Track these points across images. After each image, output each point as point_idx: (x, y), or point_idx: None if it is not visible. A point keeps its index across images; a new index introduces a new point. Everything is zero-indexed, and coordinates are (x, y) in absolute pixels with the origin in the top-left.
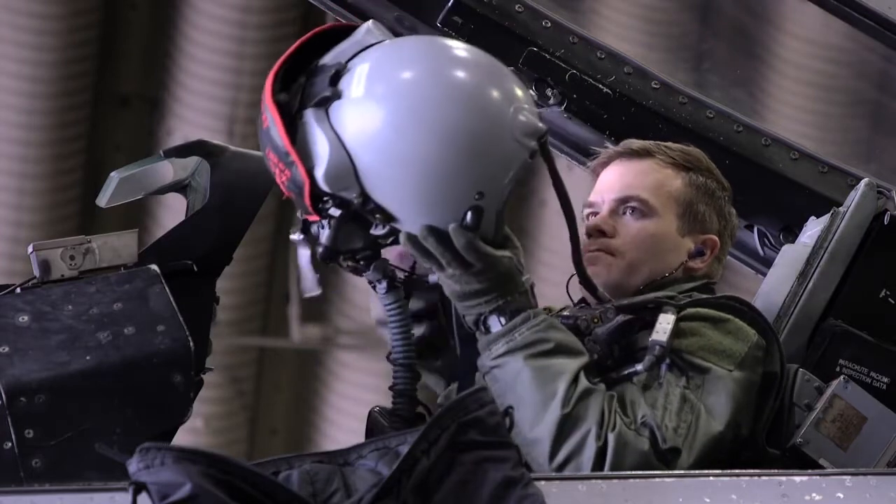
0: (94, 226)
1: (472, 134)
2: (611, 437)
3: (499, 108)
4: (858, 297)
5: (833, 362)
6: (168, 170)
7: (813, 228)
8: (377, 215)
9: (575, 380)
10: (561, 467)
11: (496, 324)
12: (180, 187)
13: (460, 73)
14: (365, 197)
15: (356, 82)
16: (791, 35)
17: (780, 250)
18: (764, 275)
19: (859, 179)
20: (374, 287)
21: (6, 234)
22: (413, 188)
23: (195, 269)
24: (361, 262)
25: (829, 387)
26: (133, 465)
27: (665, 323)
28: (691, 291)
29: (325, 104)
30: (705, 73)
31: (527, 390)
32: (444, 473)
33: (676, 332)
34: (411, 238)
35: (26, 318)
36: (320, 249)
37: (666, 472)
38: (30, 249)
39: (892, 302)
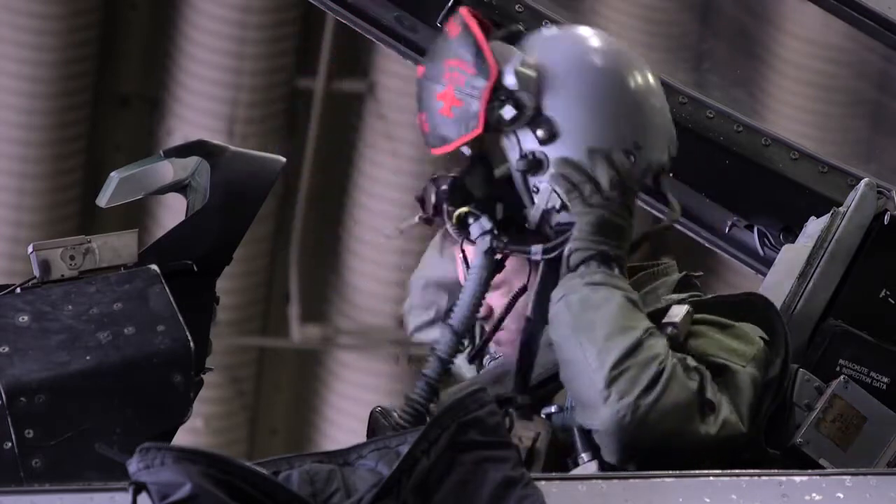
0: (94, 226)
1: (652, 95)
2: (669, 366)
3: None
4: (858, 297)
5: (833, 362)
6: (168, 170)
7: (813, 228)
8: (542, 128)
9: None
10: (618, 376)
11: (604, 268)
12: (180, 187)
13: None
14: (538, 108)
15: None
16: (791, 35)
17: (780, 250)
18: (764, 275)
19: (859, 179)
20: (462, 242)
21: (6, 234)
22: (588, 113)
23: (195, 269)
24: (480, 211)
25: (829, 387)
26: (133, 465)
27: (678, 310)
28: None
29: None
30: (705, 73)
31: (613, 313)
32: (444, 473)
33: (687, 335)
34: (567, 161)
35: (26, 318)
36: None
37: (666, 472)
38: (30, 249)
39: (892, 302)
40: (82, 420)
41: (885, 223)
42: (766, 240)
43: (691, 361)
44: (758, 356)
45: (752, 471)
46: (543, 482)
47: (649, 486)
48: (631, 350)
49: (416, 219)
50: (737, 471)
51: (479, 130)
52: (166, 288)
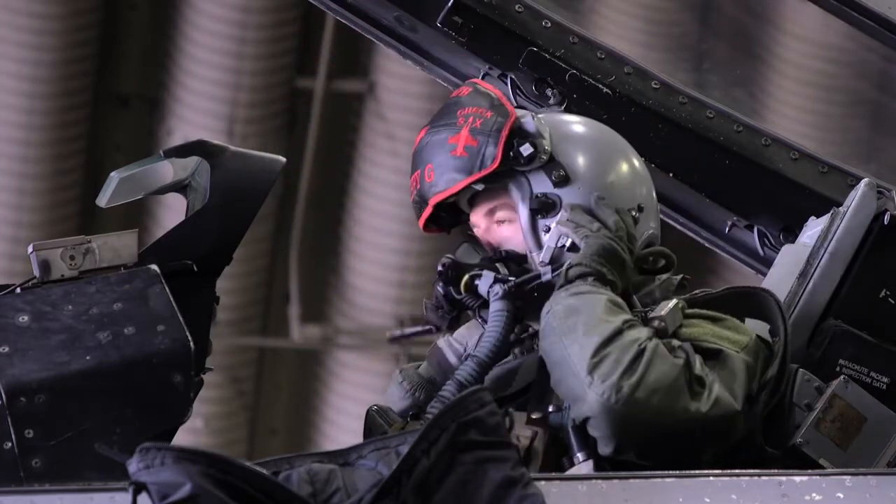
0: (94, 226)
1: (648, 177)
2: (650, 344)
3: None
4: (858, 297)
5: (833, 362)
6: (168, 170)
7: (813, 228)
8: (557, 171)
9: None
10: (599, 363)
11: (597, 285)
12: (180, 187)
13: None
14: (552, 155)
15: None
16: (791, 35)
17: (780, 250)
18: (764, 275)
19: (859, 179)
20: (476, 307)
21: (6, 234)
22: (599, 166)
23: (195, 269)
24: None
25: (829, 387)
26: (133, 465)
27: (665, 304)
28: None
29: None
30: (705, 73)
31: (594, 311)
32: (444, 473)
33: (679, 327)
34: (576, 205)
35: (26, 318)
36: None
37: (666, 472)
38: (30, 249)
39: (892, 302)
40: (82, 420)
41: (885, 223)
42: (766, 240)
43: (676, 342)
44: (750, 345)
45: (752, 471)
46: (543, 482)
47: (649, 486)
48: (610, 338)
49: (420, 330)
50: (737, 471)
51: (495, 165)
52: (166, 288)
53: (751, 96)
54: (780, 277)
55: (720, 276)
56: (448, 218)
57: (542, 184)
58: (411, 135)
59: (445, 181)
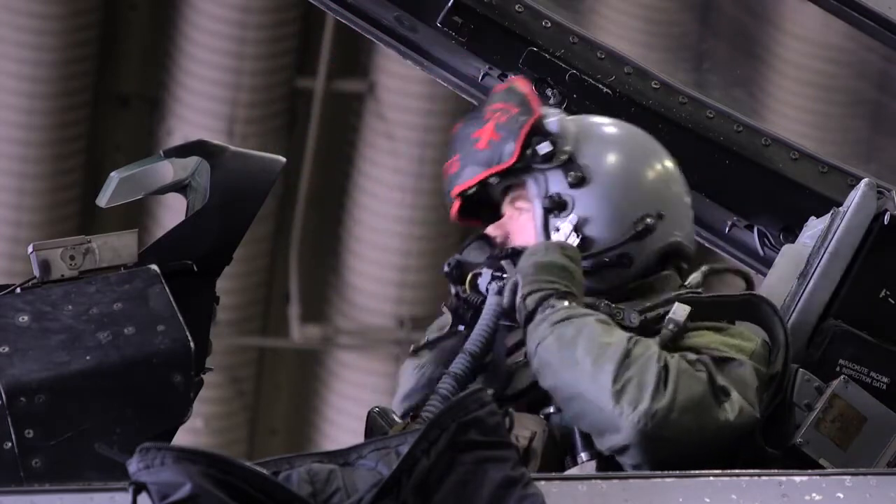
0: (94, 226)
1: (677, 182)
2: (672, 362)
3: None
4: (858, 297)
5: (833, 362)
6: (168, 170)
7: (813, 228)
8: (574, 171)
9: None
10: (622, 389)
11: (561, 304)
12: (180, 187)
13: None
14: (573, 155)
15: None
16: (791, 35)
17: (780, 250)
18: (764, 275)
19: (859, 179)
20: (480, 304)
21: (6, 234)
22: (621, 168)
23: (195, 269)
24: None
25: (829, 387)
26: (133, 465)
27: (681, 310)
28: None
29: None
30: (705, 73)
31: (591, 337)
32: (444, 473)
33: (687, 335)
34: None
35: (26, 318)
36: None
37: (665, 472)
38: (30, 249)
39: (892, 302)
40: (82, 420)
41: (885, 223)
42: (766, 240)
43: (691, 355)
44: (758, 351)
45: (752, 471)
46: (543, 482)
47: (649, 486)
48: (622, 361)
49: (445, 334)
50: (737, 471)
51: (512, 160)
52: (166, 288)
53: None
54: (780, 277)
55: (722, 276)
56: (487, 211)
57: (558, 183)
58: (411, 135)
59: (466, 173)
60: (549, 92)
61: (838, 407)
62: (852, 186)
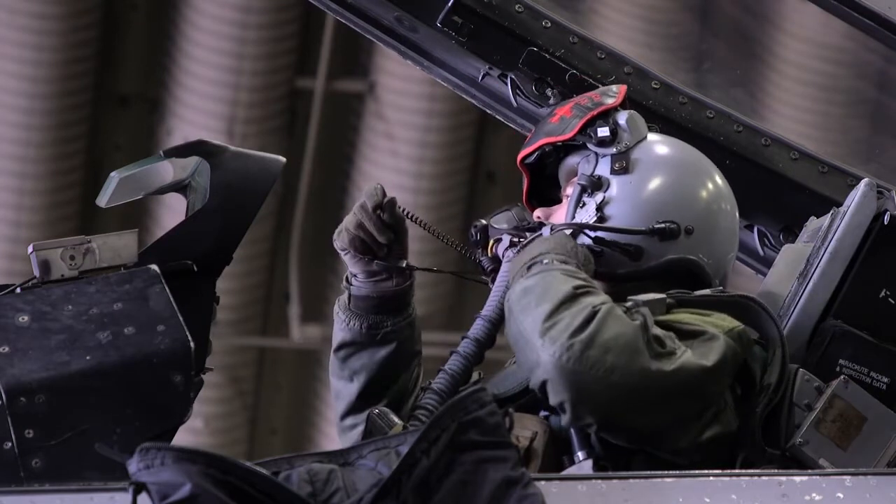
0: (94, 226)
1: (725, 200)
2: (604, 307)
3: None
4: (858, 297)
5: (833, 362)
6: (168, 170)
7: (813, 228)
8: (622, 160)
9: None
10: (550, 326)
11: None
12: (180, 187)
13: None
14: (628, 149)
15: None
16: (791, 35)
17: (780, 250)
18: (764, 275)
19: (859, 179)
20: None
21: (6, 234)
22: (668, 175)
23: (195, 269)
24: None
25: (829, 387)
26: (133, 465)
27: (648, 294)
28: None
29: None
30: (705, 73)
31: (547, 282)
32: (444, 473)
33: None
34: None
35: (26, 318)
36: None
37: (666, 472)
38: (30, 249)
39: (892, 302)
40: (82, 420)
41: (885, 223)
42: (766, 240)
43: (642, 311)
44: (737, 330)
45: (752, 471)
46: (543, 482)
47: (649, 486)
48: (562, 302)
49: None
50: (737, 471)
51: (570, 135)
52: (166, 288)
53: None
54: (780, 277)
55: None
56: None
57: (605, 168)
58: (411, 135)
59: (531, 141)
60: (549, 92)
61: (838, 407)
62: (852, 186)
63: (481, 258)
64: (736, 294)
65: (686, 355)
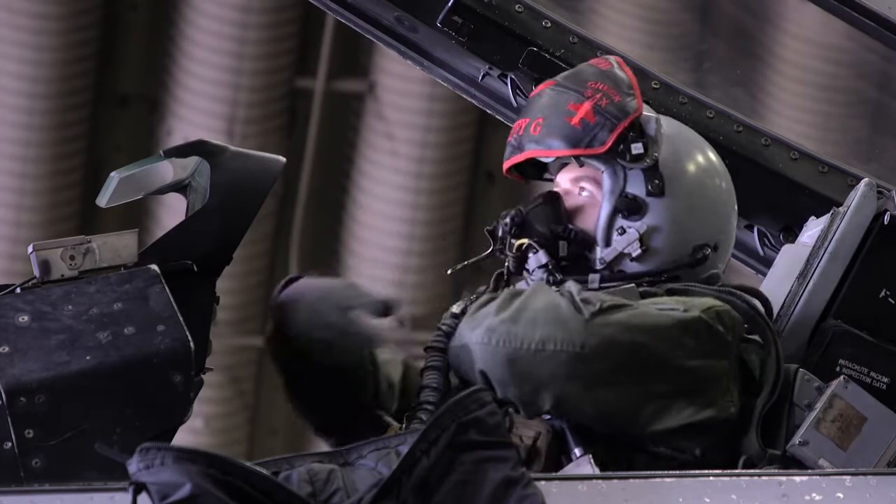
0: (94, 226)
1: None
2: (529, 289)
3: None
4: (858, 297)
5: (833, 362)
6: (168, 170)
7: (813, 228)
8: (657, 179)
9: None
10: (474, 313)
11: None
12: (180, 187)
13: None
14: (657, 163)
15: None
16: (791, 35)
17: (780, 250)
18: (764, 275)
19: (859, 179)
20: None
21: (6, 234)
22: (697, 189)
23: (195, 269)
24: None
25: (829, 387)
26: (133, 465)
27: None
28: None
29: None
30: (705, 73)
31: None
32: (444, 473)
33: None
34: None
35: (26, 318)
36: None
37: (666, 472)
38: (30, 249)
39: (892, 302)
40: (82, 420)
41: (885, 223)
42: (766, 240)
43: (567, 285)
44: (715, 308)
45: (752, 471)
46: (543, 482)
47: (649, 486)
48: (491, 299)
49: (488, 252)
50: (737, 471)
51: (602, 149)
52: (166, 288)
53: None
54: (780, 277)
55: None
56: (533, 171)
57: (636, 185)
58: (411, 135)
59: (548, 142)
60: None
61: (838, 407)
62: (852, 186)
63: (507, 255)
64: (723, 290)
65: (640, 310)
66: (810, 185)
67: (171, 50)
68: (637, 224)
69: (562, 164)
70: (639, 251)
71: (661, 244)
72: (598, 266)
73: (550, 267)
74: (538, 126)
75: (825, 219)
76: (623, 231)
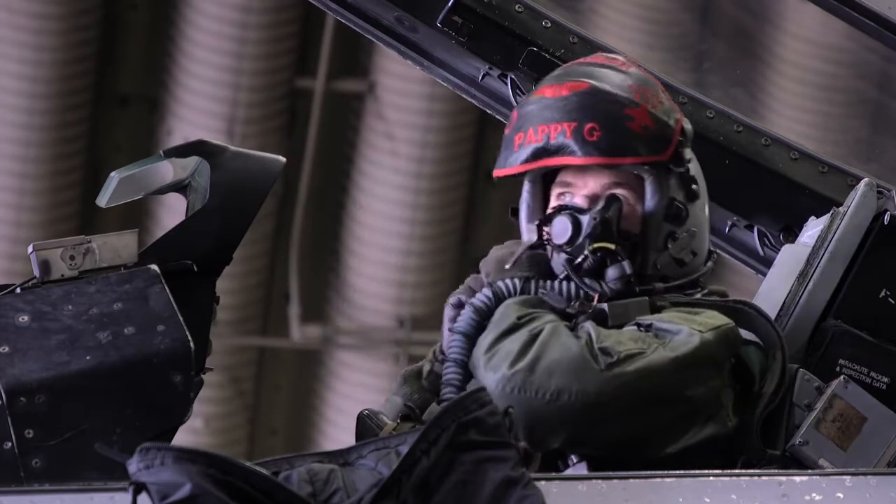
0: (94, 226)
1: None
2: (547, 328)
3: None
4: (858, 297)
5: (833, 362)
6: (168, 170)
7: (813, 228)
8: (692, 184)
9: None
10: (491, 357)
11: None
12: (180, 187)
13: None
14: (688, 168)
15: None
16: (791, 35)
17: (780, 250)
18: (764, 275)
19: (859, 179)
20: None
21: (6, 234)
22: (706, 201)
23: (195, 269)
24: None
25: (829, 387)
26: (133, 465)
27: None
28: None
29: None
30: (705, 73)
31: (505, 309)
32: (444, 473)
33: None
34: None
35: (26, 318)
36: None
37: (666, 472)
38: (30, 249)
39: (892, 302)
40: (82, 420)
41: (885, 223)
42: (766, 240)
43: (586, 327)
44: (723, 328)
45: (752, 471)
46: (543, 482)
47: (649, 486)
48: (505, 332)
49: (528, 245)
50: (737, 471)
51: (665, 156)
52: (166, 288)
53: (751, 96)
54: (780, 277)
55: (720, 276)
56: (535, 175)
57: (675, 190)
58: (411, 135)
59: (614, 149)
60: None
61: (838, 407)
62: (852, 186)
63: (583, 255)
64: (732, 300)
65: (654, 355)
66: (810, 185)
67: (171, 50)
68: (684, 227)
69: (578, 168)
70: (691, 257)
71: (699, 249)
72: (650, 272)
73: (631, 279)
74: (594, 132)
75: (825, 219)
76: (675, 237)
